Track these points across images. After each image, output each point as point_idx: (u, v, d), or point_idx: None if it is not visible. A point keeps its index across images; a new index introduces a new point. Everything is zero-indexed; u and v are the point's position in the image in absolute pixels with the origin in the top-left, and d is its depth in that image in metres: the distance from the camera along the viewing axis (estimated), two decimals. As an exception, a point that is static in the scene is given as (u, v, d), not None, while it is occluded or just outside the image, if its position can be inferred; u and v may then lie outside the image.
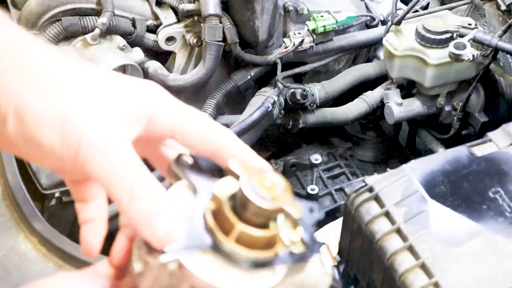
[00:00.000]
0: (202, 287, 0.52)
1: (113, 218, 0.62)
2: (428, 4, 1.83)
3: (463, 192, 0.86)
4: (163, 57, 1.73)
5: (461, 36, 1.49)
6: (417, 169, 0.88)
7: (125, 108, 0.56)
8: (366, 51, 1.87)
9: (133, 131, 0.56)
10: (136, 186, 0.53)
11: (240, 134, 1.55)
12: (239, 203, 0.53)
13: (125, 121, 0.55)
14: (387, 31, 1.60)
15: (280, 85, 1.68)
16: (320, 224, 1.17)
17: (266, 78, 1.77)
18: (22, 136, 0.54)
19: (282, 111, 1.69)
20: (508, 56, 1.52)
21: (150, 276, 0.53)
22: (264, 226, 0.53)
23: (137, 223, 0.53)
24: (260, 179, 0.53)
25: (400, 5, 1.73)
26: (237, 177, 0.54)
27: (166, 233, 0.52)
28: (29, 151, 0.55)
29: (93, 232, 0.61)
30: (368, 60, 1.88)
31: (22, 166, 1.38)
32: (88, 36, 1.55)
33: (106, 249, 0.61)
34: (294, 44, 1.68)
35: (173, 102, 0.59)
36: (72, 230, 1.50)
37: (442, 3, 1.73)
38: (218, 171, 0.57)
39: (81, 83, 0.56)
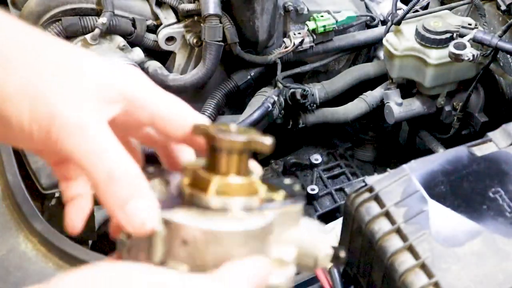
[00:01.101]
0: (194, 236, 0.50)
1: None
2: (428, 4, 1.83)
3: (463, 192, 0.86)
4: (163, 57, 1.73)
5: (461, 36, 1.49)
6: (417, 169, 0.88)
7: (102, 86, 0.53)
8: (366, 51, 1.87)
9: (110, 110, 0.53)
10: (115, 167, 0.50)
11: (240, 134, 1.55)
12: (210, 155, 0.53)
13: (101, 99, 0.53)
14: (387, 31, 1.60)
15: (280, 85, 1.68)
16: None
17: (266, 78, 1.77)
18: None
19: (282, 111, 1.69)
20: (508, 56, 1.52)
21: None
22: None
23: (112, 207, 0.50)
24: (226, 127, 0.53)
25: (400, 5, 1.73)
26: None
27: (143, 220, 0.49)
28: (2, 132, 0.52)
29: (77, 208, 0.58)
30: (368, 60, 1.88)
31: (22, 166, 1.38)
32: (88, 36, 1.55)
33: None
34: (294, 44, 1.68)
35: (154, 88, 0.57)
36: (72, 230, 1.50)
37: (442, 3, 1.73)
38: None
39: (55, 60, 0.53)
